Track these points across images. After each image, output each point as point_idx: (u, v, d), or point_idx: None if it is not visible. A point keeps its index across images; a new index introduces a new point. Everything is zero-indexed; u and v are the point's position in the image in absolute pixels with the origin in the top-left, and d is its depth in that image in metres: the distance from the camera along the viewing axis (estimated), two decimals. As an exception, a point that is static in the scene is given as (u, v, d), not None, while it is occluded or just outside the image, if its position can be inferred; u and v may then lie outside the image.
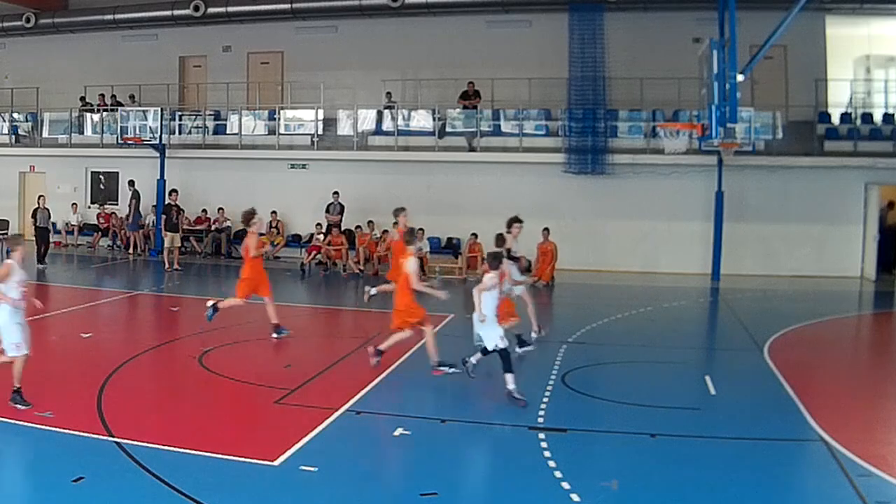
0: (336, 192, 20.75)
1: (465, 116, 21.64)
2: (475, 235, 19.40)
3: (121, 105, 23.63)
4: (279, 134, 22.66)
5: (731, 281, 19.05)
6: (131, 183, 22.33)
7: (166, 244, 19.53)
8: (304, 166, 22.44)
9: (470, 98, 21.59)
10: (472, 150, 21.23)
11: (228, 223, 22.43)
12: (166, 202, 20.33)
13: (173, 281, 17.91)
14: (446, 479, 6.10)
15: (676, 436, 7.52)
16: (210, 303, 11.58)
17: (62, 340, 11.23)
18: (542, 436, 7.36)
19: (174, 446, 6.73)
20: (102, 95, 24.53)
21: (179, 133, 23.75)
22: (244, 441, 7.11)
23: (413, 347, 10.89)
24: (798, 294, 17.74)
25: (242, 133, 22.99)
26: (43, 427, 7.13)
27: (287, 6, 23.03)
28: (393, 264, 12.69)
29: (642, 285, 15.87)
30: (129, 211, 22.33)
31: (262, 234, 21.95)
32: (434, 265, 19.58)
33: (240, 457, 6.60)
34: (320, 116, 22.22)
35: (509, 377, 8.31)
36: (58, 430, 7.09)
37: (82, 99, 24.76)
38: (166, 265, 19.31)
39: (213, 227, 22.41)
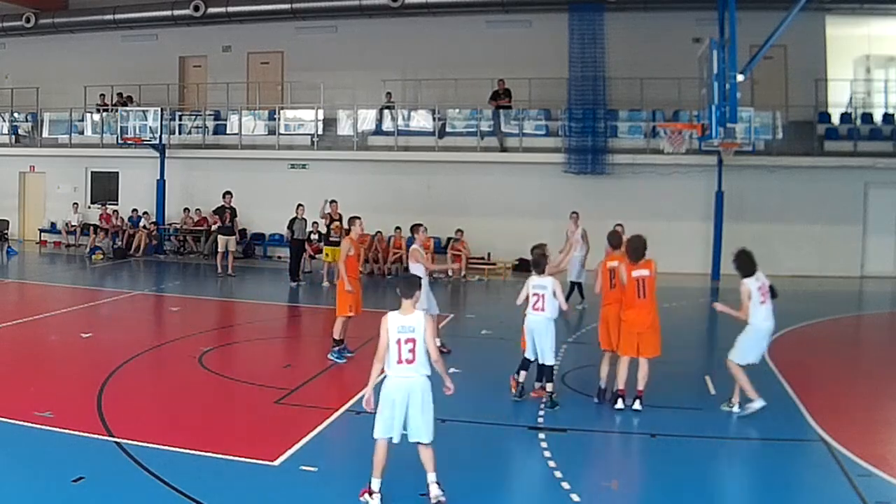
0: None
1: (502, 116, 21.30)
2: (461, 232, 19.51)
3: (126, 104, 23.64)
4: (279, 134, 22.65)
5: (731, 281, 18.90)
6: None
7: (220, 248, 18.81)
8: (304, 166, 22.42)
9: (500, 97, 21.40)
10: (502, 150, 21.13)
11: (228, 224, 22.37)
12: (220, 204, 19.11)
13: (227, 285, 17.51)
14: (446, 479, 6.08)
15: (676, 436, 7.51)
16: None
17: (62, 340, 11.24)
18: (542, 436, 7.36)
19: (174, 446, 6.72)
20: (103, 95, 24.54)
21: (179, 133, 23.75)
22: (244, 441, 7.10)
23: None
24: (798, 294, 17.72)
25: (242, 133, 22.99)
26: (43, 427, 7.12)
27: (287, 6, 23.04)
28: None
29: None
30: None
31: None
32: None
33: (240, 457, 6.59)
34: (320, 116, 22.22)
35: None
36: (58, 430, 7.08)
37: (101, 96, 24.67)
38: (219, 269, 18.51)
39: (212, 228, 22.35)
